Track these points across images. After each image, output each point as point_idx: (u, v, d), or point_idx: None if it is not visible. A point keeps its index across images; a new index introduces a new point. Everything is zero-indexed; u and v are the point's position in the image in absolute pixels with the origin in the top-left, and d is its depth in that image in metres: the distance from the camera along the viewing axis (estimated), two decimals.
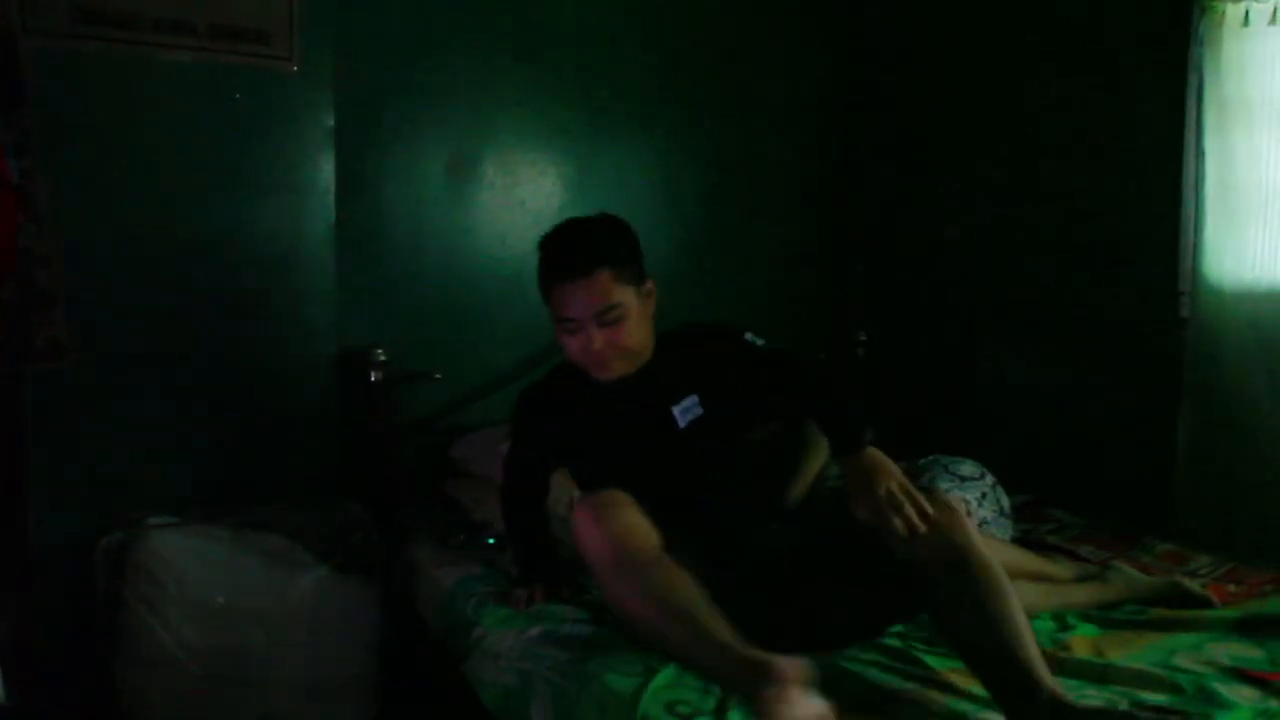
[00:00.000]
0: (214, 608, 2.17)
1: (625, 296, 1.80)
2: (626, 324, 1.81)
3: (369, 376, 2.57)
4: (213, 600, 2.17)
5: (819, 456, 2.43)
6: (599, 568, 1.65)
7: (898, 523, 1.56)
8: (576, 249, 1.82)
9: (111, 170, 2.27)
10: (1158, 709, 1.50)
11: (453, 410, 2.79)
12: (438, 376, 2.71)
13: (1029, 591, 2.01)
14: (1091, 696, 1.55)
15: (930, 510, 1.57)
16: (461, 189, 2.85)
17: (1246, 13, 2.33)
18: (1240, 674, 1.64)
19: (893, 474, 1.63)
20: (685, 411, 1.87)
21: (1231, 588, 2.09)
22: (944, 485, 2.18)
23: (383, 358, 2.57)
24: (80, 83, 2.21)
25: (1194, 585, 2.03)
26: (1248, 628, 1.84)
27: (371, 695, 2.33)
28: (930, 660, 1.69)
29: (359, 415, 2.59)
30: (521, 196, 2.91)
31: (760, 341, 1.93)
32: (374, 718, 2.33)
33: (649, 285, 1.89)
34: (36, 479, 2.22)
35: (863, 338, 3.39)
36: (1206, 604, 1.99)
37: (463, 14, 2.80)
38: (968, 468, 2.27)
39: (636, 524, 1.65)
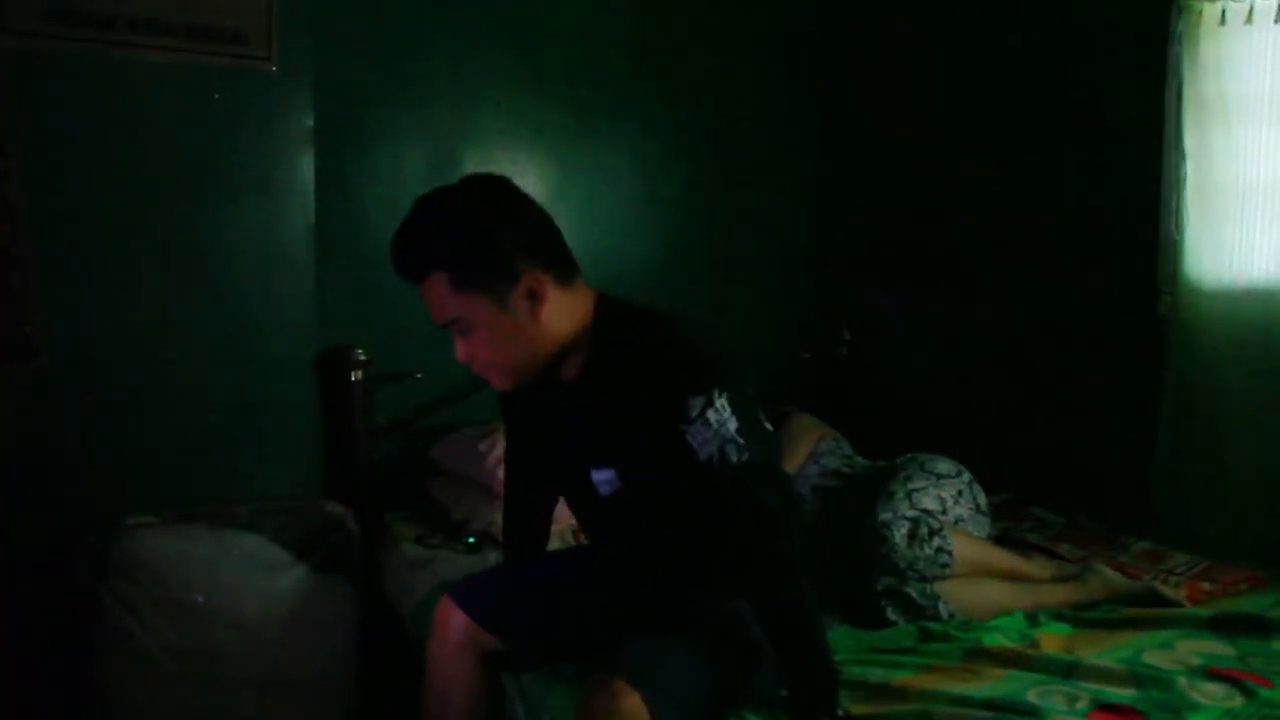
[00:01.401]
0: (193, 607, 2.18)
1: (468, 307, 1.44)
2: (478, 338, 1.46)
3: (349, 376, 2.57)
4: (192, 600, 2.18)
5: None
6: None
7: None
8: (404, 246, 1.48)
9: (89, 171, 2.27)
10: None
11: (433, 410, 2.79)
12: (418, 376, 2.72)
13: (1002, 591, 2.02)
14: (1056, 693, 1.55)
15: None
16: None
17: (1223, 12, 2.33)
18: (1209, 672, 1.64)
19: None
20: (605, 483, 1.55)
21: (1206, 586, 2.09)
22: (920, 483, 2.18)
23: (363, 358, 2.58)
24: (56, 83, 2.22)
25: (1169, 591, 2.02)
26: (1220, 626, 1.85)
27: (350, 694, 2.34)
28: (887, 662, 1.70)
29: (339, 415, 2.59)
30: None
31: (698, 428, 1.41)
32: (352, 717, 2.33)
33: (523, 285, 1.45)
34: (14, 479, 2.22)
35: (846, 337, 3.40)
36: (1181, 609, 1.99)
37: (443, 14, 2.81)
38: (944, 465, 2.27)
39: (451, 651, 1.70)
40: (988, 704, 1.52)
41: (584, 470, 1.55)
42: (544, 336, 1.49)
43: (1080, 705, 1.52)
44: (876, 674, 1.65)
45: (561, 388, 1.56)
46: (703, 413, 1.40)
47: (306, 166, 2.50)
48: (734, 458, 1.40)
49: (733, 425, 1.41)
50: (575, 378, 1.54)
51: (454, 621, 1.71)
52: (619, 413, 1.48)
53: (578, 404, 1.54)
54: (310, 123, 2.49)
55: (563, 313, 1.50)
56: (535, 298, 1.46)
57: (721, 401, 1.41)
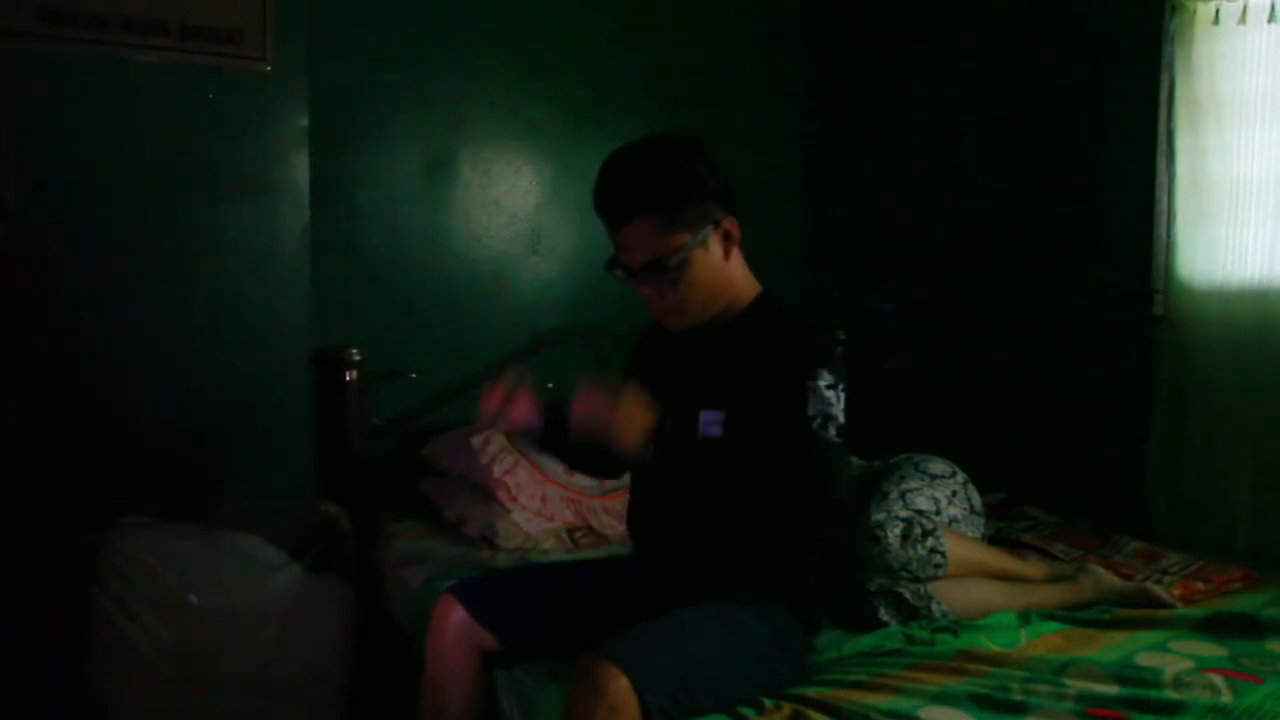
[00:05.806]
0: (186, 607, 2.17)
1: (672, 246, 1.55)
2: (685, 276, 1.57)
3: (344, 376, 2.57)
4: (185, 600, 2.17)
5: None
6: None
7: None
8: (613, 190, 1.58)
9: (82, 171, 2.27)
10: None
11: (429, 410, 2.79)
12: (413, 376, 2.72)
13: (995, 592, 2.02)
14: (1042, 690, 1.55)
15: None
16: (437, 189, 2.85)
17: (1217, 11, 2.33)
18: (1201, 673, 1.63)
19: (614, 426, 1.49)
20: (710, 423, 1.59)
21: (1200, 585, 2.09)
22: (914, 483, 2.18)
23: (357, 357, 2.58)
24: (49, 84, 2.22)
25: (1163, 592, 2.01)
26: (1213, 626, 1.84)
27: (343, 694, 2.34)
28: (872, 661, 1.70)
29: (334, 415, 2.59)
30: (497, 196, 2.92)
31: (821, 391, 1.52)
32: (345, 716, 2.33)
33: (724, 225, 1.60)
34: (7, 478, 2.22)
35: (841, 337, 3.39)
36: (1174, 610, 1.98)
37: (438, 13, 2.81)
38: (938, 465, 2.27)
39: (450, 645, 1.72)
40: (972, 699, 1.52)
41: (693, 411, 1.59)
42: (729, 280, 1.64)
43: (1066, 702, 1.51)
44: (859, 672, 1.64)
45: (707, 330, 1.66)
46: (828, 387, 1.53)
47: (301, 166, 2.50)
48: (831, 433, 1.53)
49: (841, 414, 1.54)
50: (726, 320, 1.66)
51: (453, 617, 1.74)
52: (760, 351, 1.57)
53: (723, 341, 1.64)
54: (305, 122, 2.49)
55: (741, 264, 1.67)
56: (730, 239, 1.62)
57: (841, 390, 1.56)
